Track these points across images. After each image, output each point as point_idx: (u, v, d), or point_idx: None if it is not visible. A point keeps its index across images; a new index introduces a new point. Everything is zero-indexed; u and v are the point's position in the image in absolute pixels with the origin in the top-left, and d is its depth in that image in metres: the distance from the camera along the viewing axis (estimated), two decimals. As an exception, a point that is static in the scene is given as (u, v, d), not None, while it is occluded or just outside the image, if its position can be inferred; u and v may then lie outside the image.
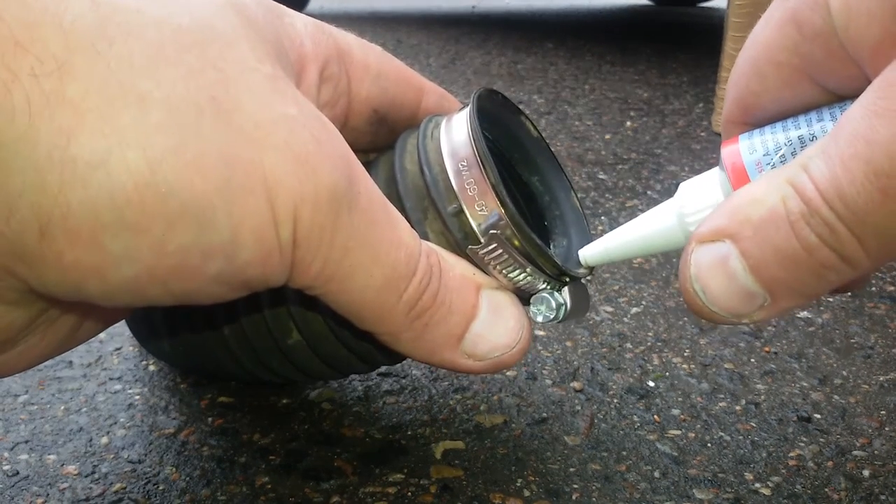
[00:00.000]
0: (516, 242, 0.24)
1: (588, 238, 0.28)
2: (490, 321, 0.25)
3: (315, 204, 0.20)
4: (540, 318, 0.26)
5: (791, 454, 0.33)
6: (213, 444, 0.33)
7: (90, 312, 0.25)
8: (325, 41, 0.26)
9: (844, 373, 0.40)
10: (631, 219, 0.25)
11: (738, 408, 0.37)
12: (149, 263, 0.19)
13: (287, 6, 0.25)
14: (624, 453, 0.33)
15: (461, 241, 0.25)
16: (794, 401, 0.37)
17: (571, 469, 0.32)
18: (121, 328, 0.42)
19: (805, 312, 0.47)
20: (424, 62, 1.36)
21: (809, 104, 0.22)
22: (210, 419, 0.35)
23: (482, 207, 0.24)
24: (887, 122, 0.17)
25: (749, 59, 0.23)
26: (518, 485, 0.31)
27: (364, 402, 0.36)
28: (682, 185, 0.24)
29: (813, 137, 0.21)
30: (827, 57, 0.21)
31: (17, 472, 0.31)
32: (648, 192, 0.69)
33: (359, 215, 0.21)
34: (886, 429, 0.35)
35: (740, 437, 0.34)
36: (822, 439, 0.34)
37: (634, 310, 0.47)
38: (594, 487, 0.31)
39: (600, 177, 0.73)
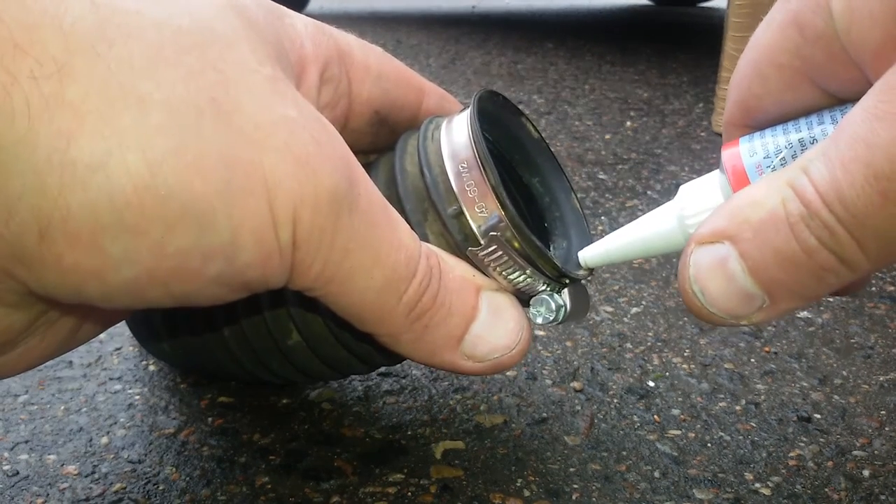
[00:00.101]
0: (516, 244, 0.24)
1: (588, 240, 0.28)
2: (490, 323, 0.25)
3: (315, 205, 0.20)
4: (540, 320, 0.26)
5: (791, 454, 0.33)
6: (213, 444, 0.33)
7: (90, 314, 0.25)
8: (325, 42, 0.26)
9: (844, 373, 0.40)
10: (631, 219, 0.25)
11: (738, 408, 0.37)
12: (148, 265, 0.19)
13: (287, 7, 0.25)
14: (624, 453, 0.33)
15: (461, 243, 0.25)
16: (794, 401, 0.37)
17: (571, 469, 0.32)
18: (121, 328, 0.42)
19: (805, 312, 0.47)
20: (424, 62, 1.36)
21: (810, 107, 0.22)
22: (210, 419, 0.35)
23: (482, 209, 0.24)
24: (888, 125, 0.17)
25: (751, 61, 0.23)
26: (518, 485, 0.31)
27: (364, 402, 0.36)
28: (682, 188, 0.24)
29: (813, 140, 0.21)
30: (828, 60, 0.21)
31: (17, 472, 0.31)
32: (648, 192, 0.69)
33: (359, 217, 0.21)
34: (886, 429, 0.35)
35: (740, 437, 0.34)
36: (822, 439, 0.34)
37: (634, 310, 0.47)
38: (594, 487, 0.31)
39: (600, 177, 0.73)
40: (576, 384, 0.38)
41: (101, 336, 0.41)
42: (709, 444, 0.34)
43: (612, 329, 0.44)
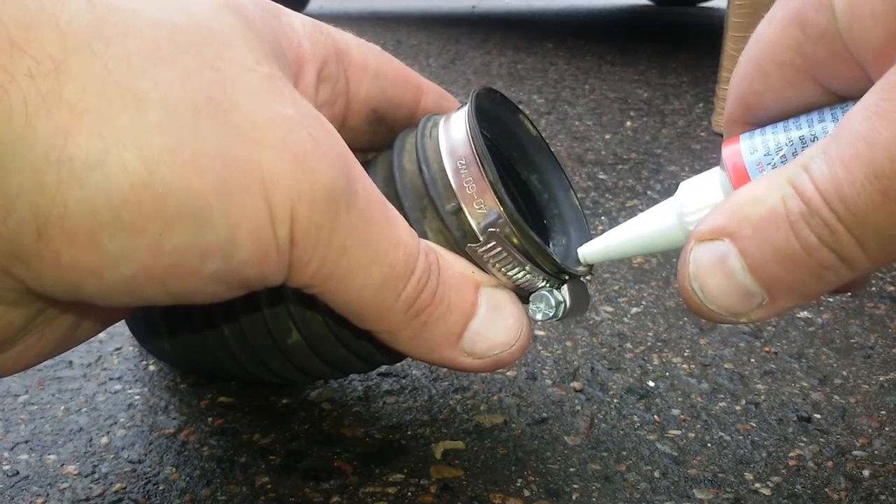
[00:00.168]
0: (515, 240, 0.24)
1: (587, 236, 0.28)
2: (489, 319, 0.25)
3: (312, 203, 0.20)
4: (539, 316, 0.26)
5: (791, 454, 0.33)
6: (213, 444, 0.33)
7: (88, 312, 0.25)
8: (323, 41, 0.26)
9: (844, 373, 0.40)
10: (631, 218, 0.25)
11: (738, 408, 0.37)
12: (146, 263, 0.19)
13: (286, 6, 0.25)
14: (624, 453, 0.33)
15: (460, 240, 0.24)
16: (794, 401, 0.37)
17: (571, 469, 0.32)
18: (121, 328, 0.42)
19: (805, 312, 0.46)
20: (424, 62, 1.36)
21: (811, 104, 0.22)
22: (210, 419, 0.35)
23: (481, 206, 0.24)
24: (889, 123, 0.17)
25: (752, 58, 0.23)
26: (518, 485, 0.31)
27: (364, 402, 0.36)
28: (682, 185, 0.24)
29: (814, 138, 0.21)
30: (830, 57, 0.21)
31: (17, 472, 0.31)
32: (648, 192, 0.69)
33: (357, 214, 0.21)
34: (886, 429, 0.35)
35: (740, 437, 0.34)
36: (822, 439, 0.34)
37: (634, 310, 0.47)
38: (594, 487, 0.31)
39: (600, 177, 0.73)
40: (576, 384, 0.38)
41: (101, 336, 0.41)
42: (709, 444, 0.34)
43: (612, 329, 0.44)
